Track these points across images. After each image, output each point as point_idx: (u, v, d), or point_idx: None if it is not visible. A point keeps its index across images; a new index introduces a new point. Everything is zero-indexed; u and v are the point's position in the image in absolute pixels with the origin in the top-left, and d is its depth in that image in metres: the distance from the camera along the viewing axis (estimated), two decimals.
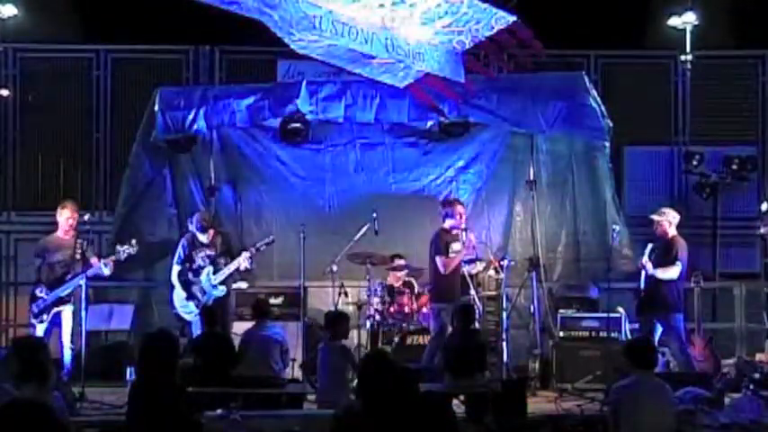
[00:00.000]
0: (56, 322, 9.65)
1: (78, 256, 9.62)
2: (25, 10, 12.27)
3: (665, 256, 9.53)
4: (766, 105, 13.45)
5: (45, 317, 9.59)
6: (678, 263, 9.47)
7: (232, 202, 11.87)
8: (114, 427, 7.64)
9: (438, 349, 9.36)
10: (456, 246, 9.82)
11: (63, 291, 9.54)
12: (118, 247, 9.66)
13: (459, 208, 10.04)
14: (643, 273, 9.69)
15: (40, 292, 9.60)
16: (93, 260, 9.69)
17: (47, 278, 9.65)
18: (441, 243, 9.82)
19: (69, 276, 9.52)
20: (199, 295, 10.11)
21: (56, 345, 9.63)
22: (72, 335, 9.65)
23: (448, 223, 9.91)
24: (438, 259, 9.76)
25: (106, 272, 9.59)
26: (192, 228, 10.28)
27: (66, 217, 9.70)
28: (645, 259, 9.47)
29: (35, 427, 3.61)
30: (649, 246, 9.58)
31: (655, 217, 9.73)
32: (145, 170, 11.61)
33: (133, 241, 9.71)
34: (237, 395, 7.92)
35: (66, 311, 9.62)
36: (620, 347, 8.80)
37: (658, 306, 9.50)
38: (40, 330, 9.56)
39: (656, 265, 9.47)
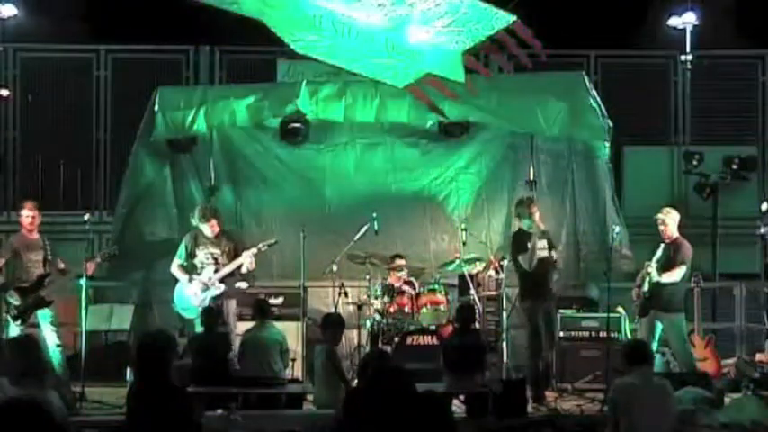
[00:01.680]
0: (34, 324, 9.32)
1: (50, 257, 9.46)
2: (25, 10, 12.28)
3: (672, 257, 9.51)
4: (766, 105, 13.46)
5: (24, 318, 9.26)
6: (683, 266, 9.49)
7: (232, 202, 11.87)
8: (114, 427, 7.65)
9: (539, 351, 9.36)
10: (529, 244, 9.56)
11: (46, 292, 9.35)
12: (96, 252, 9.75)
13: (533, 208, 9.67)
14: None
15: (12, 299, 9.24)
16: (62, 265, 9.48)
17: (22, 279, 9.33)
18: (520, 243, 9.59)
19: (49, 279, 9.28)
20: (199, 290, 10.02)
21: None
22: (57, 335, 9.39)
23: (524, 224, 9.66)
24: (520, 258, 9.55)
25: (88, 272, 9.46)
26: (195, 222, 10.13)
27: (24, 215, 9.55)
28: (653, 266, 9.41)
29: (34, 425, 3.60)
30: (662, 246, 9.51)
31: (661, 216, 9.73)
32: (145, 170, 11.61)
33: (114, 247, 9.83)
34: (237, 395, 7.92)
35: (46, 313, 9.34)
36: (620, 348, 8.82)
37: (662, 306, 9.50)
38: (13, 332, 9.16)
39: (662, 267, 9.45)
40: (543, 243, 9.68)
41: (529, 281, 9.54)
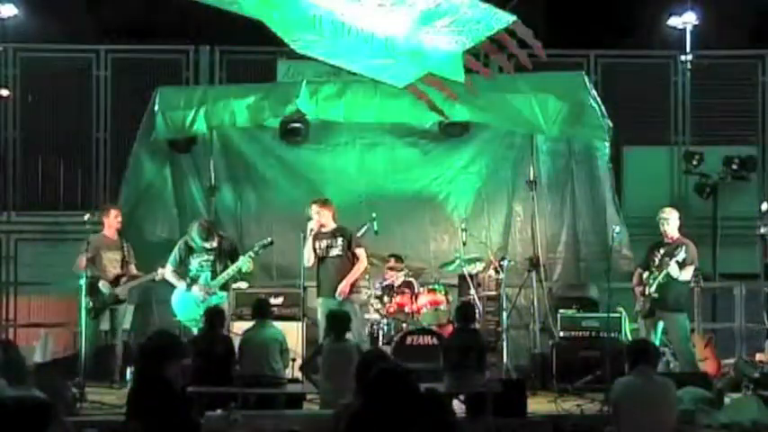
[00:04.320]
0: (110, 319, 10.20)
1: (127, 258, 10.24)
2: (25, 10, 12.28)
3: (681, 257, 9.52)
4: (766, 105, 13.45)
5: (101, 313, 10.05)
6: (693, 266, 9.54)
7: (232, 202, 11.88)
8: (114, 427, 7.64)
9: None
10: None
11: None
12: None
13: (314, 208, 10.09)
14: (647, 273, 9.66)
15: (104, 288, 10.02)
16: (132, 270, 10.29)
17: (101, 276, 10.06)
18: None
19: (125, 279, 10.12)
20: (200, 294, 10.03)
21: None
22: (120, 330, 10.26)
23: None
24: None
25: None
26: (198, 243, 10.18)
27: (114, 216, 10.29)
28: (673, 263, 9.41)
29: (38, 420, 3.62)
30: (683, 250, 9.48)
31: (664, 216, 9.75)
32: (145, 170, 11.60)
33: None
34: (237, 395, 7.92)
35: (121, 309, 10.25)
36: (620, 348, 8.84)
37: (668, 305, 9.52)
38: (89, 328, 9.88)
39: (668, 266, 9.45)
40: (332, 242, 9.96)
41: (318, 278, 10.02)
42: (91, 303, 9.91)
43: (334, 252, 9.98)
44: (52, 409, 3.70)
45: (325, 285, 9.96)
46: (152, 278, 10.19)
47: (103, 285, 10.05)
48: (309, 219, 9.97)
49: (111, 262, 10.16)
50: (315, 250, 9.94)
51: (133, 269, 10.31)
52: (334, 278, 9.89)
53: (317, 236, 9.96)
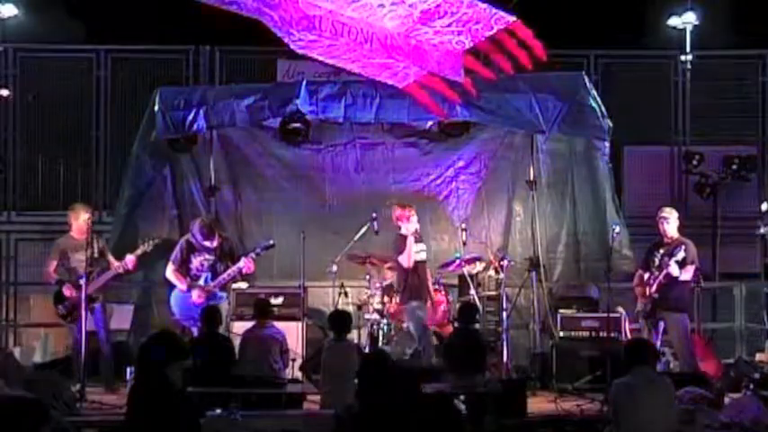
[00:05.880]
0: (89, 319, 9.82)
1: (97, 255, 9.84)
2: (25, 10, 12.28)
3: (681, 256, 9.53)
4: (766, 105, 13.45)
5: (74, 315, 9.70)
6: (693, 265, 9.55)
7: (232, 202, 11.87)
8: (114, 427, 7.65)
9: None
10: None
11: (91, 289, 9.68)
12: (140, 243, 10.07)
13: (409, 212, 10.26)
14: (647, 274, 9.67)
15: (68, 291, 9.70)
16: (113, 262, 9.95)
17: (69, 279, 9.79)
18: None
19: (96, 275, 9.72)
20: (201, 299, 10.02)
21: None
22: (106, 331, 9.98)
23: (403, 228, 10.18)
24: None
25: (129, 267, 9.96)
26: (196, 238, 10.17)
27: (84, 218, 9.88)
28: (672, 263, 9.42)
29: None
30: (682, 250, 9.48)
31: (665, 215, 9.75)
32: (145, 170, 11.58)
33: (155, 238, 10.19)
34: (237, 395, 7.92)
35: (99, 308, 9.88)
36: (620, 348, 8.84)
37: (669, 305, 9.53)
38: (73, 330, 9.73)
39: (668, 266, 9.46)
40: (421, 246, 10.21)
41: (407, 282, 10.08)
42: (63, 310, 9.77)
43: (422, 256, 10.23)
44: (47, 409, 3.70)
45: (420, 289, 10.12)
46: (115, 273, 9.91)
47: (67, 289, 9.74)
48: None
49: (80, 263, 9.74)
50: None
51: (114, 262, 9.99)
52: (426, 282, 10.18)
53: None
